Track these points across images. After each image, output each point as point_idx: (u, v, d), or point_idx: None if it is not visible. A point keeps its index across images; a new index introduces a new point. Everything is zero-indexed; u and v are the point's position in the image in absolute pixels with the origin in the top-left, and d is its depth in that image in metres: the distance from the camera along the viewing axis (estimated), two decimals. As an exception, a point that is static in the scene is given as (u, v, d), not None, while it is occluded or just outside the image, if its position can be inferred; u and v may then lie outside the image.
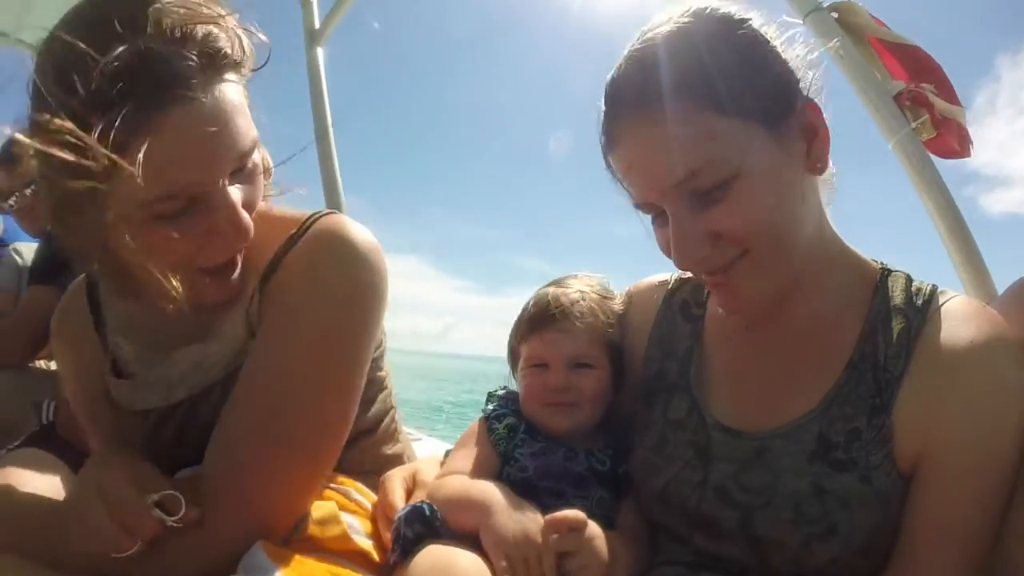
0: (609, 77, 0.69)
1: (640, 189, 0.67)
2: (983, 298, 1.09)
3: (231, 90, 0.66)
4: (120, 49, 0.57)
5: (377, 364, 0.89)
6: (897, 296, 0.70)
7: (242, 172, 0.69)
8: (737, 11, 0.66)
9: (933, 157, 1.17)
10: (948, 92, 1.24)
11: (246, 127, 0.68)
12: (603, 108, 0.70)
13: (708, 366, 0.80)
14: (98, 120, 0.57)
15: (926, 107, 1.17)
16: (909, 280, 0.72)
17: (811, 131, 0.66)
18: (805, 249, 0.69)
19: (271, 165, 0.90)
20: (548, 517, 0.68)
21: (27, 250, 2.06)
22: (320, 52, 2.36)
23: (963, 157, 1.22)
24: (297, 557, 0.68)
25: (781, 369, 0.73)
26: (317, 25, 2.37)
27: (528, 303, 0.90)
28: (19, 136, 0.63)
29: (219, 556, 0.67)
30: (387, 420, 0.94)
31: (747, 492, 0.68)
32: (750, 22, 0.66)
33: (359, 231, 0.79)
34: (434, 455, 0.97)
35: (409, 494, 0.82)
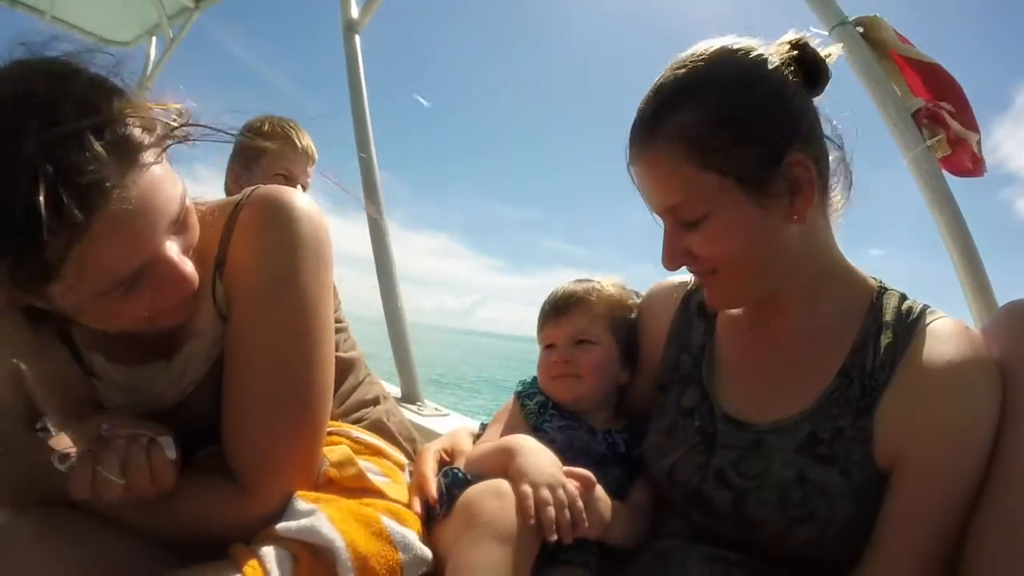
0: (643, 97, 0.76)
1: (645, 202, 0.77)
2: (985, 309, 1.12)
3: (149, 170, 0.63)
4: (31, 193, 0.54)
5: (337, 315, 0.93)
6: (889, 313, 0.75)
7: (175, 225, 0.68)
8: (751, 60, 0.70)
9: (946, 174, 1.20)
10: (967, 114, 1.26)
11: (172, 191, 0.66)
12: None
13: (719, 362, 0.86)
14: (30, 251, 0.56)
15: (943, 126, 1.20)
16: (903, 299, 0.77)
17: (795, 186, 0.70)
18: (789, 271, 0.75)
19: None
20: (565, 469, 0.77)
21: None
22: (358, 40, 2.43)
23: (976, 176, 1.25)
24: (328, 496, 0.75)
25: (782, 370, 0.79)
26: (355, 15, 2.44)
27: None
28: None
29: (263, 517, 0.73)
30: (357, 366, 1.00)
31: (742, 477, 0.74)
32: (760, 71, 0.70)
33: (290, 193, 0.80)
34: (466, 427, 1.04)
35: (442, 464, 0.90)
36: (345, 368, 0.96)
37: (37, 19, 4.23)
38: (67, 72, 0.61)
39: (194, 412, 0.80)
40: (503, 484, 0.74)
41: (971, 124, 1.24)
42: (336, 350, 0.88)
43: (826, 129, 0.75)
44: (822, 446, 0.71)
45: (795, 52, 0.72)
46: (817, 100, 0.75)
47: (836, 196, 0.77)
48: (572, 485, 0.75)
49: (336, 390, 0.89)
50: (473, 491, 0.75)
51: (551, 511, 0.71)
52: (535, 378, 0.99)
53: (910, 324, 0.73)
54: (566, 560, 0.78)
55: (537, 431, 0.90)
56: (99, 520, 0.70)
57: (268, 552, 0.67)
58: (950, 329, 0.71)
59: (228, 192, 1.51)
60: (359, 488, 0.80)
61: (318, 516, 0.71)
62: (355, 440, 0.88)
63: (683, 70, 0.71)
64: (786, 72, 0.71)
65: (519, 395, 0.97)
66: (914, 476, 0.68)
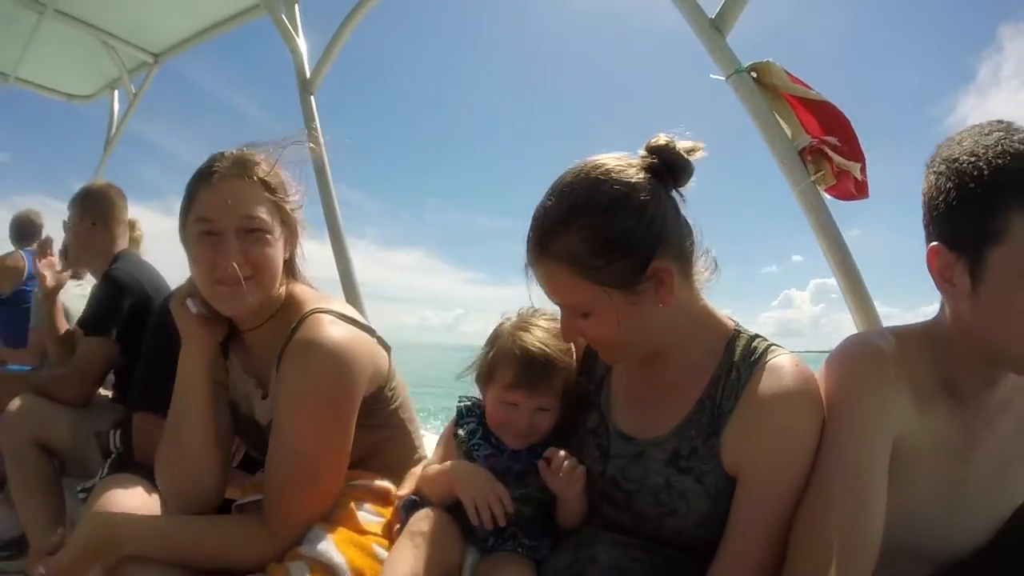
0: (538, 204, 0.93)
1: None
2: (868, 321, 1.29)
3: (250, 182, 1.11)
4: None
5: (386, 403, 1.23)
6: (738, 354, 0.93)
7: (248, 233, 1.09)
8: (619, 186, 0.87)
9: (830, 201, 1.37)
10: (852, 144, 1.44)
11: (253, 206, 1.10)
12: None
13: (614, 390, 1.05)
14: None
15: (827, 160, 1.37)
16: (751, 340, 0.95)
17: (659, 283, 0.88)
18: (661, 336, 0.95)
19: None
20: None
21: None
22: (312, 100, 2.65)
23: (860, 199, 1.42)
24: (337, 528, 1.07)
25: (658, 399, 0.98)
26: (308, 75, 2.65)
27: (505, 347, 1.05)
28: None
29: (277, 551, 1.04)
30: (399, 433, 1.28)
31: (629, 481, 0.95)
32: (627, 195, 0.87)
33: (326, 335, 1.08)
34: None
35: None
36: (391, 436, 1.26)
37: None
38: None
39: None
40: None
41: (855, 154, 1.42)
42: (386, 420, 1.24)
43: (687, 213, 0.93)
44: (682, 460, 0.92)
45: (657, 159, 0.89)
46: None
47: (701, 268, 0.96)
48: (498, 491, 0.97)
49: (383, 450, 1.24)
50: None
51: (486, 513, 0.95)
52: (471, 405, 1.11)
53: (752, 363, 0.91)
54: (500, 549, 1.01)
55: (468, 457, 1.06)
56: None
57: (294, 566, 0.99)
58: (784, 366, 0.89)
59: None
60: (354, 527, 1.11)
61: (328, 542, 1.03)
62: (372, 489, 1.17)
63: (563, 199, 0.89)
64: (650, 183, 0.88)
65: (455, 427, 1.11)
66: (749, 484, 0.87)
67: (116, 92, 4.40)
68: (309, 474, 1.08)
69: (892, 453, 0.86)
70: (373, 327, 1.22)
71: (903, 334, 0.91)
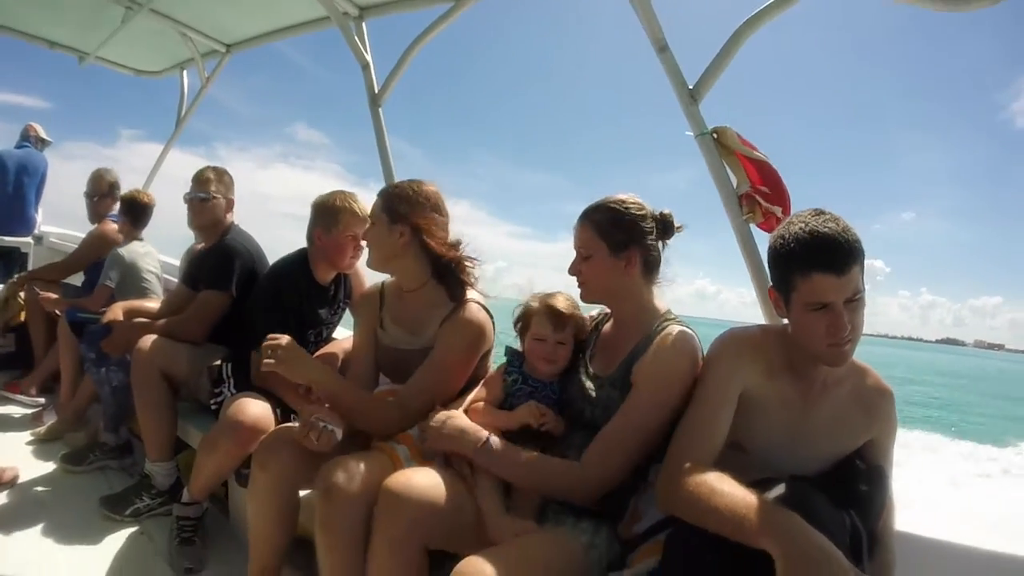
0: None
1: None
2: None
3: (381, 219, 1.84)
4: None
5: (486, 355, 1.83)
6: (655, 330, 1.52)
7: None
8: (634, 211, 1.56)
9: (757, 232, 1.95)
10: (779, 191, 2.00)
11: (379, 230, 1.84)
12: None
13: (595, 346, 1.67)
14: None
15: (758, 205, 1.94)
16: (666, 320, 1.53)
17: (628, 261, 1.53)
18: (623, 300, 1.58)
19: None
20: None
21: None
22: (381, 112, 3.11)
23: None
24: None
25: (614, 351, 1.58)
26: (376, 90, 3.10)
27: (536, 304, 1.66)
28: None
29: (403, 423, 1.67)
30: (485, 371, 1.85)
31: (596, 399, 1.54)
32: (636, 216, 1.55)
33: (473, 315, 1.76)
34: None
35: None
36: (481, 374, 1.84)
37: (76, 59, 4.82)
38: None
39: (410, 361, 1.80)
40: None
41: (779, 201, 1.98)
42: (481, 363, 1.83)
43: (664, 252, 1.59)
44: (617, 383, 1.50)
45: (659, 216, 1.57)
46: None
47: (661, 280, 1.60)
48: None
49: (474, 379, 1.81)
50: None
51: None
52: (511, 356, 1.70)
53: (656, 332, 1.50)
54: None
55: (509, 396, 1.64)
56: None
57: (400, 448, 1.59)
58: (669, 332, 1.46)
59: (309, 241, 2.25)
60: None
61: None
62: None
63: (606, 203, 1.56)
64: (651, 222, 1.55)
65: (502, 371, 1.69)
66: (632, 393, 1.44)
67: (185, 71, 4.83)
68: (438, 384, 1.71)
69: (744, 400, 1.32)
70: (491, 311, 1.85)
71: (769, 330, 1.42)
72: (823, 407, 1.35)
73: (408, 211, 1.80)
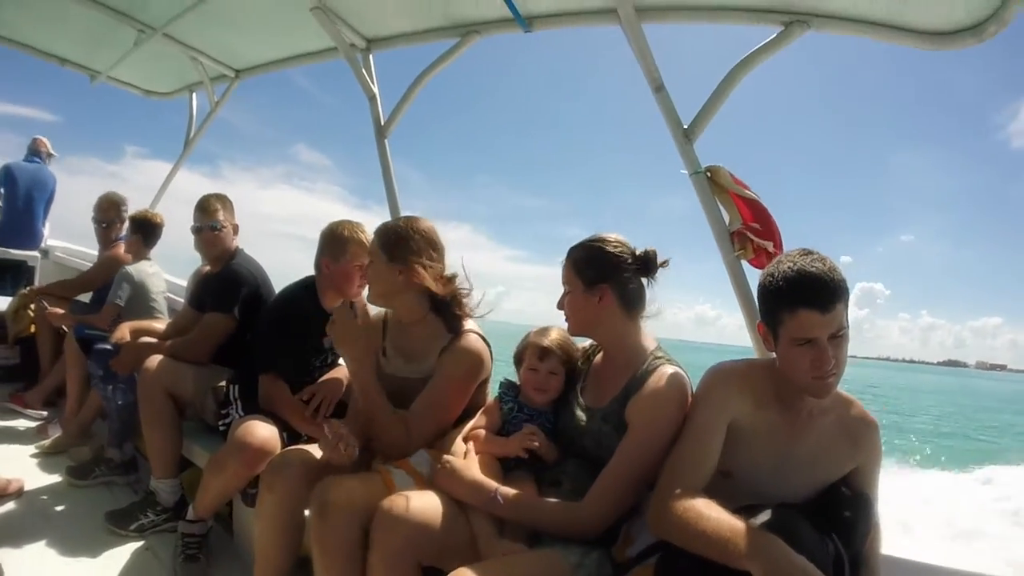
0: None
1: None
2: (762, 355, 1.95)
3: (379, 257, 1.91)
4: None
5: (483, 384, 1.90)
6: (646, 369, 1.59)
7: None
8: (614, 250, 1.64)
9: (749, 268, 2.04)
10: (769, 228, 2.09)
11: (378, 268, 1.91)
12: None
13: (586, 378, 1.76)
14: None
15: (748, 241, 2.03)
16: (656, 358, 1.60)
17: (601, 296, 1.61)
18: (604, 333, 1.67)
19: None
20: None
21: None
22: (387, 144, 3.18)
23: (770, 269, 2.08)
24: (434, 451, 1.74)
25: (605, 384, 1.66)
26: (383, 121, 3.19)
27: (531, 339, 1.78)
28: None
29: (410, 448, 1.74)
30: (483, 400, 1.93)
31: (588, 430, 1.62)
32: (614, 255, 1.64)
33: (471, 344, 1.85)
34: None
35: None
36: (478, 403, 1.91)
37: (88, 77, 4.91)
38: None
39: (408, 390, 1.86)
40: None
41: (770, 236, 2.07)
42: (479, 391, 1.90)
43: (647, 290, 1.67)
44: (611, 419, 1.58)
45: (640, 254, 1.64)
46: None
47: (644, 314, 1.67)
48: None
49: (471, 407, 1.87)
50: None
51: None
52: (506, 387, 1.80)
53: (647, 372, 1.57)
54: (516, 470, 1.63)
55: (510, 425, 1.73)
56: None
57: (397, 472, 1.65)
58: (663, 373, 1.53)
59: (317, 270, 2.34)
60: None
61: (422, 454, 1.72)
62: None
63: (586, 241, 1.66)
64: (631, 261, 1.63)
65: (498, 400, 1.78)
66: (627, 434, 1.50)
67: (194, 94, 4.90)
68: (438, 411, 1.81)
69: (733, 429, 1.37)
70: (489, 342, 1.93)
71: (755, 363, 1.50)
72: (809, 436, 1.40)
73: (404, 253, 1.88)
